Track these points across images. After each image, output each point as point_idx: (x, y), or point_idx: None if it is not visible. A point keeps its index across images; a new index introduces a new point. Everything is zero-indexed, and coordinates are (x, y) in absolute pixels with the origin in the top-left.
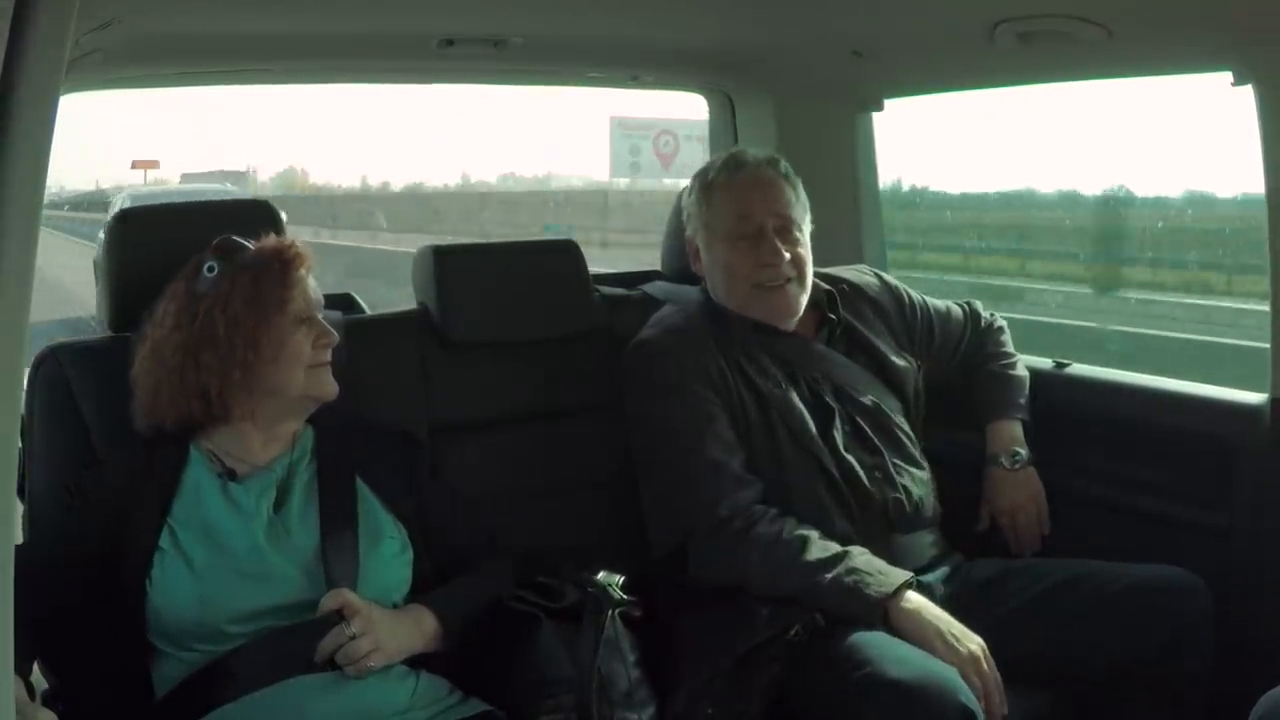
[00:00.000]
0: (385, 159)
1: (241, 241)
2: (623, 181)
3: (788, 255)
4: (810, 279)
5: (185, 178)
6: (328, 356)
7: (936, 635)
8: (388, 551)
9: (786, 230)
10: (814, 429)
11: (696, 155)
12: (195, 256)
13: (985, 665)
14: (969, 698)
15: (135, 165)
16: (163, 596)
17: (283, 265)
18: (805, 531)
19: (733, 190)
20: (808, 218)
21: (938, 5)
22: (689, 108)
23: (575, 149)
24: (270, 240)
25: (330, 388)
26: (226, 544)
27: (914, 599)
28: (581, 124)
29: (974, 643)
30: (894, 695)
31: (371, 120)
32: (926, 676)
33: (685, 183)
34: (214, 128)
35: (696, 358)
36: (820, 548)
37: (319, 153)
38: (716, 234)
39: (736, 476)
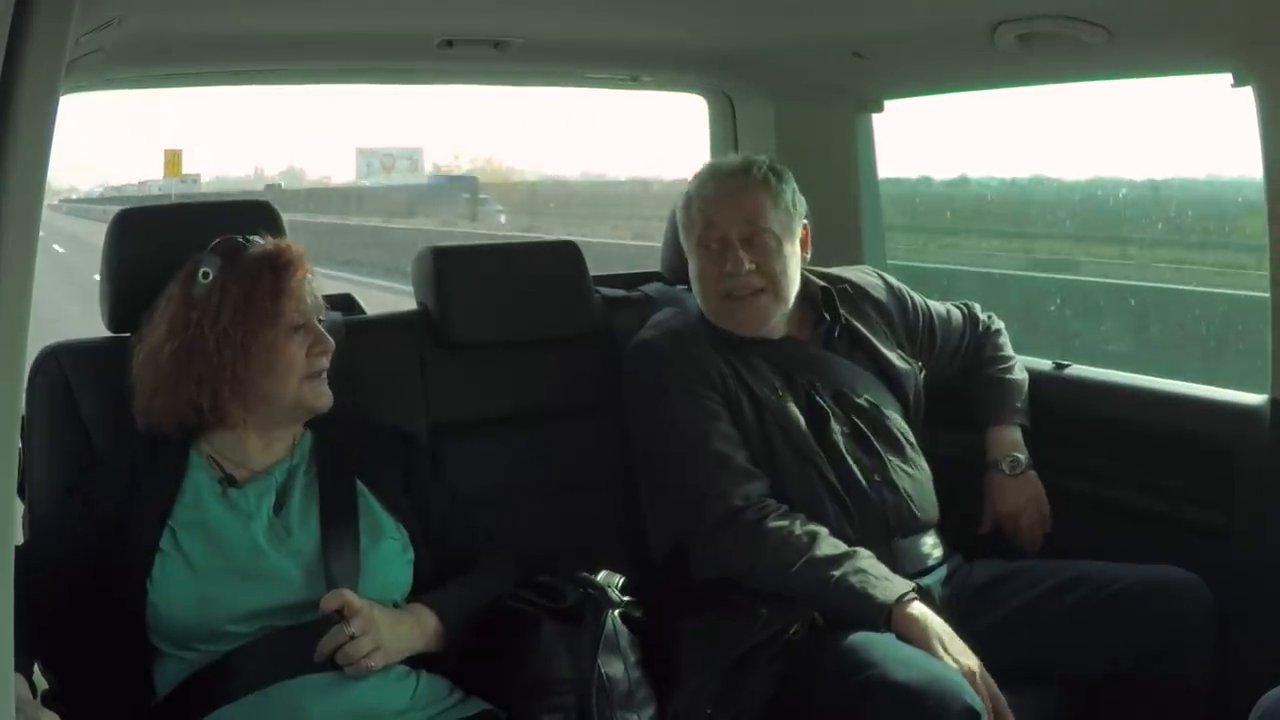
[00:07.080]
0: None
1: (239, 241)
2: (365, 182)
3: (751, 265)
4: (788, 289)
5: None
6: (324, 365)
7: (939, 641)
8: (388, 551)
9: (753, 239)
10: (810, 435)
11: (405, 167)
12: (193, 257)
13: (980, 681)
14: (974, 699)
15: None
16: (163, 597)
17: (275, 274)
18: (815, 528)
19: (703, 199)
20: (795, 224)
21: (938, 6)
22: (410, 140)
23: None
24: (265, 246)
25: (324, 399)
26: (227, 545)
27: (919, 607)
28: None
29: (970, 658)
30: (899, 696)
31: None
32: (932, 678)
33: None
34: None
35: (696, 359)
36: (830, 545)
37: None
38: (690, 243)
39: (744, 470)
